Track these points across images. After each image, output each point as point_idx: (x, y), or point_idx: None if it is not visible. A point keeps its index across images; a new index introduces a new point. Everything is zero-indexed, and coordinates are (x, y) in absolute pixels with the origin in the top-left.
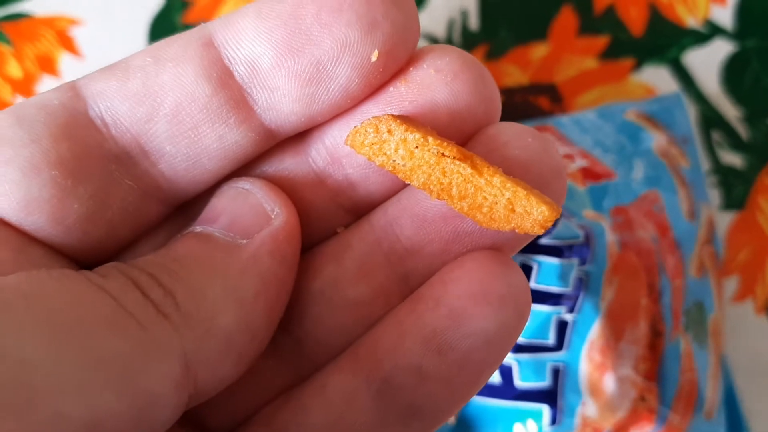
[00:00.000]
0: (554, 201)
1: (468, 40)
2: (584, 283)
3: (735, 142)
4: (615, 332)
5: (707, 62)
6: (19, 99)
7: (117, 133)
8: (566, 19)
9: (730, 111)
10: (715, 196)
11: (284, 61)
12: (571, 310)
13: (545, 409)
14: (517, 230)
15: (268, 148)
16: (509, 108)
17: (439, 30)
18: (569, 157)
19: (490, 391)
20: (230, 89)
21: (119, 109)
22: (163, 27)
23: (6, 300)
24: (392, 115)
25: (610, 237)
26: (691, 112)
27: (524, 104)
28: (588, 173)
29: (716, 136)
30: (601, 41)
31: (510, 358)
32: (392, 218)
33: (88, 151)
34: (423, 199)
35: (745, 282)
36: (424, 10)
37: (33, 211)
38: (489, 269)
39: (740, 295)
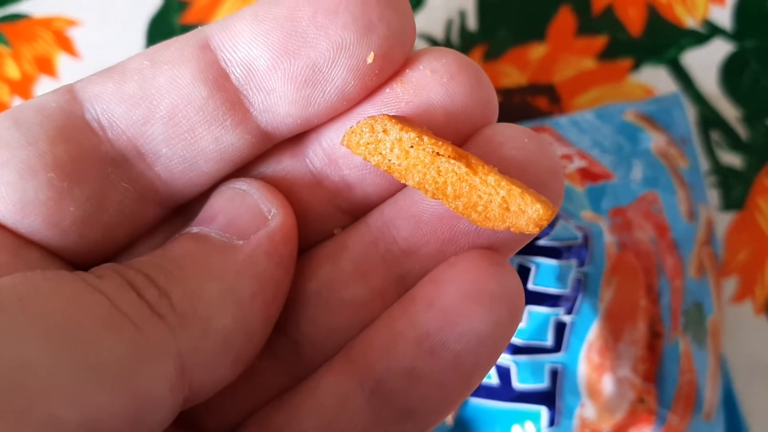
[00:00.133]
0: (551, 201)
1: (466, 41)
2: (582, 285)
3: (734, 143)
4: (613, 333)
5: (706, 62)
6: (17, 100)
7: (113, 135)
8: (564, 19)
9: (729, 111)
10: (714, 196)
11: (280, 63)
12: (569, 312)
13: (543, 411)
14: (512, 229)
15: (264, 150)
16: (507, 108)
17: (437, 30)
18: (567, 157)
19: (488, 393)
20: (226, 92)
21: (116, 112)
22: (161, 27)
23: (1, 302)
24: (388, 115)
25: (609, 238)
26: (689, 113)
27: (522, 105)
28: (586, 174)
29: (715, 136)
30: (600, 41)
31: (508, 360)
32: (389, 219)
33: (85, 154)
34: (419, 200)
35: (744, 282)
36: (422, 11)
37: (29, 213)
38: (482, 269)
39: (739, 295)
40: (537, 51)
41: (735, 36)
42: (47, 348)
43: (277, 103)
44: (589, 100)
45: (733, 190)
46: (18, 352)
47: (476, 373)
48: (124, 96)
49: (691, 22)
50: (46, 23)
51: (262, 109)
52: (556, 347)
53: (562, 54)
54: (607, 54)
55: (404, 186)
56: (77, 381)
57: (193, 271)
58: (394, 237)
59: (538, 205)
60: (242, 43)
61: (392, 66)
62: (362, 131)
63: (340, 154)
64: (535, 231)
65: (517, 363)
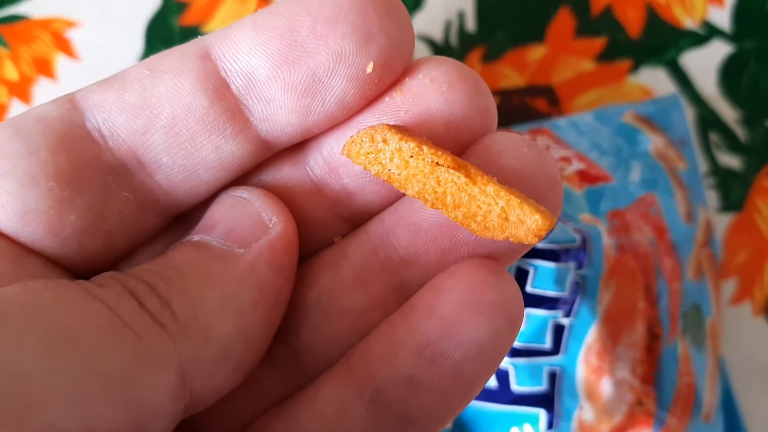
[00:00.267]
0: (550, 211)
1: (465, 42)
2: (581, 287)
3: (733, 144)
4: (612, 336)
5: (705, 64)
6: (16, 101)
7: (114, 144)
8: (563, 20)
9: (728, 113)
10: (712, 198)
11: (280, 73)
12: (567, 314)
13: (542, 414)
14: (511, 239)
15: (264, 159)
16: (506, 110)
17: (436, 32)
18: (566, 160)
19: (487, 396)
20: (227, 101)
21: (116, 121)
22: (159, 29)
23: (2, 311)
24: (388, 125)
25: (607, 240)
26: (688, 114)
27: (521, 106)
28: (585, 176)
29: (714, 137)
30: (599, 43)
31: (506, 363)
32: (389, 228)
33: (86, 163)
34: (419, 209)
35: (743, 284)
36: (421, 12)
37: (30, 222)
38: (480, 278)
39: (738, 297)
40: (536, 52)
41: (734, 37)
42: (48, 357)
43: (277, 112)
44: (588, 101)
45: (732, 191)
46: (19, 360)
47: (476, 382)
48: (125, 105)
49: (689, 23)
50: (45, 24)
51: (263, 119)
52: (555, 350)
53: (560, 55)
54: (606, 55)
55: (404, 194)
56: (78, 390)
57: (194, 280)
58: (394, 245)
59: (537, 216)
60: (242, 52)
61: (391, 75)
62: (362, 141)
63: (340, 162)
64: (534, 241)
65: (515, 366)
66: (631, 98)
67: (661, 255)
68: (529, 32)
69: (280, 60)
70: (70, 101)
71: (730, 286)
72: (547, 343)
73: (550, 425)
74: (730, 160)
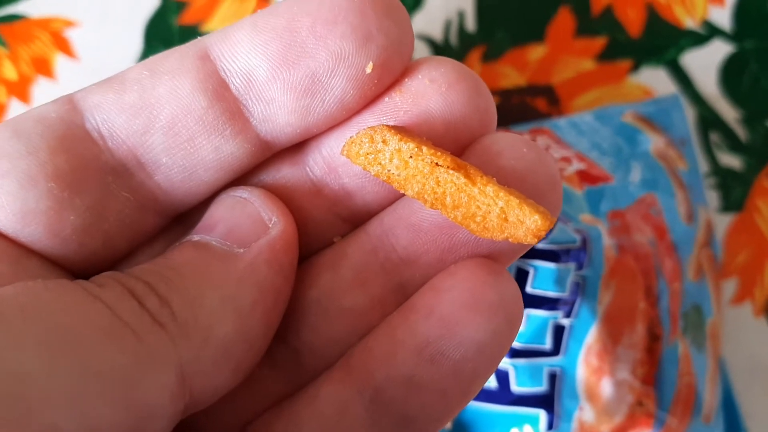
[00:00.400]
0: (550, 211)
1: (465, 42)
2: (581, 288)
3: (733, 144)
4: (612, 336)
5: (705, 63)
6: (14, 101)
7: (113, 145)
8: (564, 20)
9: (729, 112)
10: (713, 198)
11: (279, 73)
12: (567, 315)
13: (542, 414)
14: (510, 239)
15: (264, 159)
16: (506, 110)
17: (436, 31)
18: (566, 160)
19: (487, 396)
20: (226, 101)
21: (116, 122)
22: (158, 28)
23: (1, 312)
24: (387, 126)
25: (607, 241)
26: (689, 114)
27: (521, 106)
28: (585, 176)
29: (714, 137)
30: (599, 42)
31: (506, 363)
32: (388, 228)
33: (85, 164)
34: (419, 209)
35: (744, 284)
36: (421, 12)
37: (30, 222)
38: (480, 278)
39: (739, 297)
40: (536, 52)
41: (734, 37)
42: (48, 357)
43: (276, 112)
44: (588, 101)
45: (733, 191)
46: (18, 361)
47: (476, 381)
48: (124, 106)
49: (690, 22)
50: (44, 24)
51: (262, 119)
52: (555, 350)
53: (561, 55)
54: (607, 55)
55: (403, 195)
56: (77, 390)
57: (193, 280)
58: (394, 245)
59: (537, 216)
60: (241, 53)
61: (391, 75)
62: (362, 141)
63: (340, 162)
64: (534, 242)
65: (515, 366)
66: (632, 98)
67: (662, 255)
68: (529, 32)
69: (279, 60)
70: (70, 102)
71: (730, 287)
72: (547, 344)
73: (550, 426)
74: (731, 160)
